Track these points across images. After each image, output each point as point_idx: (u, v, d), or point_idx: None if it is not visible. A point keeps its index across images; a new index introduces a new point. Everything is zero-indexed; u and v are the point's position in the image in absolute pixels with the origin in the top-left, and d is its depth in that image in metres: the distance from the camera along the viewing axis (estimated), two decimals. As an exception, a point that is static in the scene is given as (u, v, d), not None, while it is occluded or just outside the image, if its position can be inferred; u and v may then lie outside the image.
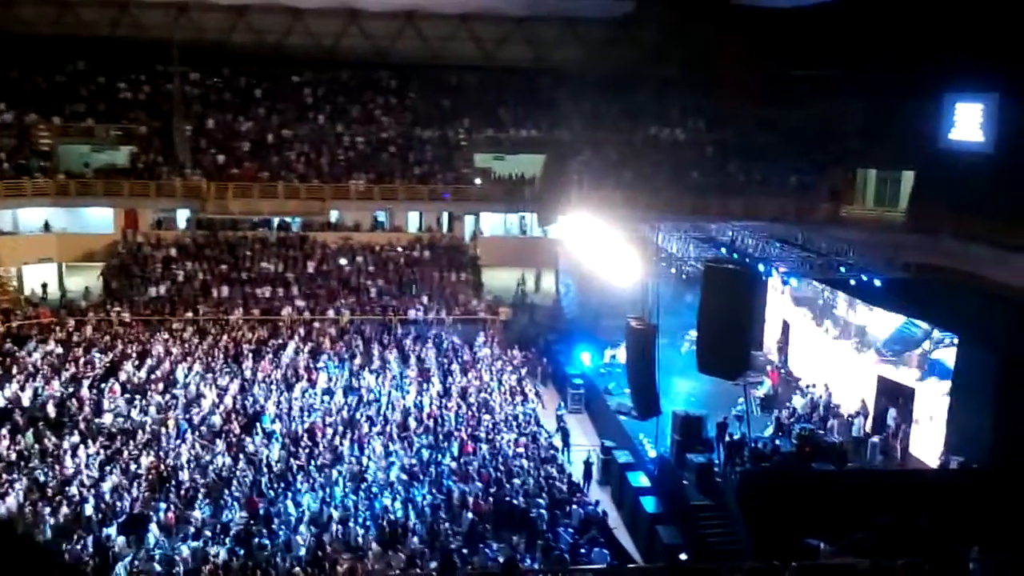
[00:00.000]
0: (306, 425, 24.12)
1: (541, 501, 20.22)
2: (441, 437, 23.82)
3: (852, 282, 22.42)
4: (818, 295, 28.39)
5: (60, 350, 29.20)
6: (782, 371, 28.70)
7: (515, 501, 20.17)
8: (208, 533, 18.61)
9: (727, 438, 21.65)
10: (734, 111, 41.18)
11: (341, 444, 22.99)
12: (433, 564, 17.19)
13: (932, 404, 22.39)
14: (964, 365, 21.06)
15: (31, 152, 37.81)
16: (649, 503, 20.80)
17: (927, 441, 22.34)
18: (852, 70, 38.27)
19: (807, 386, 26.60)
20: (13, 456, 21.83)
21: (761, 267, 21.70)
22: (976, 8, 30.59)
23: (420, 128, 42.27)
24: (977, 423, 20.26)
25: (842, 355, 26.37)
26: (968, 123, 32.94)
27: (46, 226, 38.13)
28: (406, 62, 43.81)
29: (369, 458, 22.24)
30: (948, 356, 22.43)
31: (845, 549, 17.64)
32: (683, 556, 18.47)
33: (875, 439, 22.67)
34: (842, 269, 22.20)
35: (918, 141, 35.27)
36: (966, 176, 31.08)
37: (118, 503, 19.60)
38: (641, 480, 21.93)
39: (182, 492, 20.24)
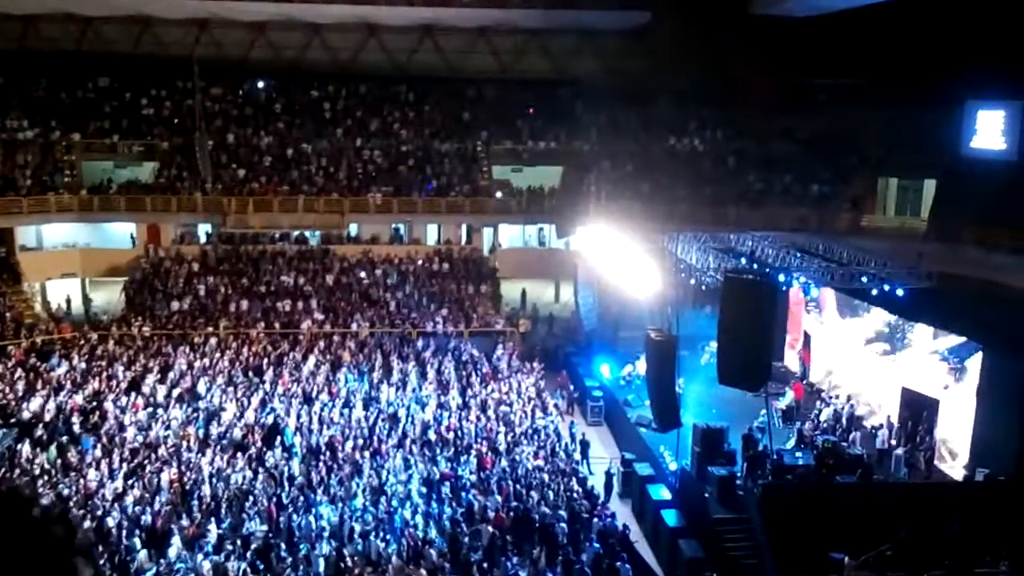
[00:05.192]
0: (325, 438, 24.18)
1: (562, 514, 20.14)
2: (460, 450, 23.80)
3: (874, 292, 22.28)
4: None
5: (83, 364, 29.49)
6: (805, 383, 28.44)
7: (535, 514, 20.10)
8: (229, 547, 18.67)
9: (748, 451, 21.50)
10: (752, 121, 41.04)
11: (361, 457, 23.02)
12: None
13: (957, 415, 22.11)
14: (988, 374, 20.79)
15: (55, 168, 38.25)
16: (670, 516, 20.62)
17: (952, 452, 22.07)
18: (872, 78, 38.13)
19: (830, 396, 26.34)
20: (37, 470, 22.03)
21: (781, 277, 21.58)
22: (997, 15, 30.40)
23: (438, 141, 42.40)
24: (1003, 433, 20.00)
25: (867, 365, 26.05)
26: (990, 131, 32.73)
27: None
28: (424, 75, 43.97)
29: (389, 471, 22.25)
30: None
31: (869, 563, 17.45)
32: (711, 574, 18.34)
33: (899, 451, 22.40)
34: (864, 279, 22.06)
35: (940, 149, 35.08)
36: (988, 184, 30.88)
37: (141, 516, 19.71)
38: (662, 493, 21.77)
39: (203, 506, 20.33)
